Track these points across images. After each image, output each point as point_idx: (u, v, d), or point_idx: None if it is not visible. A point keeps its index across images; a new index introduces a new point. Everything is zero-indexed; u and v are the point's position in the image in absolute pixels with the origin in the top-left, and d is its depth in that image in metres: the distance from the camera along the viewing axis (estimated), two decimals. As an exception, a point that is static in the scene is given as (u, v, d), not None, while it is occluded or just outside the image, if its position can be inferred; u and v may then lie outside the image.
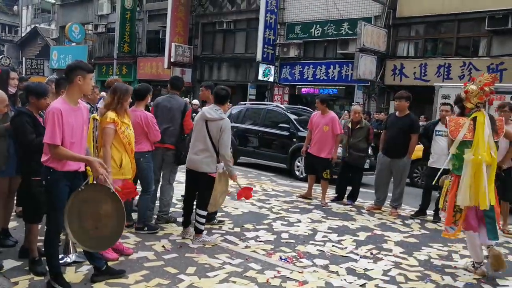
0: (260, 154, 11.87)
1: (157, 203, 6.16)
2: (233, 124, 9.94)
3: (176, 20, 22.56)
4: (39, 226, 4.35)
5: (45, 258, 3.89)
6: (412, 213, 7.51)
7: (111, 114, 4.51)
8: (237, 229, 5.94)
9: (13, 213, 5.14)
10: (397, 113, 7.58)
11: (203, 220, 5.33)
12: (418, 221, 7.11)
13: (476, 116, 4.76)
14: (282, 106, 12.56)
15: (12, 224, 5.10)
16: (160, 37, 24.54)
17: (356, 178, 8.21)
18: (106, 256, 4.33)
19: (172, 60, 22.05)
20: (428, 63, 16.00)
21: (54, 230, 3.79)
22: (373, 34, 16.11)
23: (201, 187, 5.34)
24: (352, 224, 6.60)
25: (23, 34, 40.45)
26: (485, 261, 4.84)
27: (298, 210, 7.29)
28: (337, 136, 7.81)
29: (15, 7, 45.86)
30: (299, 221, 6.58)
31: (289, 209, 7.29)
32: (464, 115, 4.94)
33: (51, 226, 3.78)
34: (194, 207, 5.45)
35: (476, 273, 4.81)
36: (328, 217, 6.94)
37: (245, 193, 5.60)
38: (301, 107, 13.80)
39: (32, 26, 38.86)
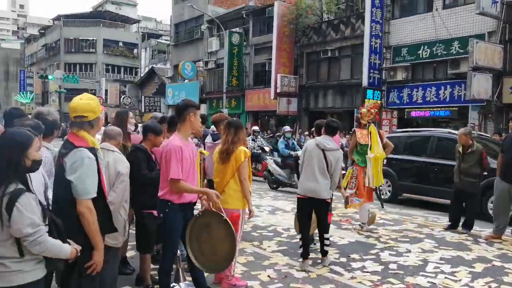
0: (433, 191, 10.12)
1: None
2: (389, 156, 8.55)
3: (281, 52, 23.22)
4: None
5: (158, 286, 4.17)
6: (539, 243, 6.83)
7: (245, 149, 4.64)
8: (343, 259, 5.87)
9: (131, 243, 5.55)
10: (514, 134, 7.03)
11: (328, 243, 5.66)
12: (546, 252, 6.45)
13: (371, 129, 7.25)
14: (456, 132, 9.88)
15: (130, 253, 5.53)
16: (266, 69, 25.37)
17: (469, 205, 7.68)
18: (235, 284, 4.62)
19: (278, 90, 22.63)
20: (554, 77, 14.63)
21: (170, 259, 4.09)
22: (487, 51, 15.17)
23: (321, 213, 5.60)
24: (467, 255, 6.17)
25: (142, 75, 44.18)
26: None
27: (408, 239, 6.99)
28: None
29: (135, 51, 50.58)
30: (409, 251, 6.31)
31: (398, 238, 7.02)
32: (362, 128, 7.36)
33: (167, 256, 4.08)
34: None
35: (362, 229, 7.31)
36: (441, 247, 6.56)
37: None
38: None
39: (150, 66, 42.34)
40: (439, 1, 17.84)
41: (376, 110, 7.49)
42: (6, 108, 5.45)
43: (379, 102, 7.57)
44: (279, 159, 12.82)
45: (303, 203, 5.59)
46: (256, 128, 16.04)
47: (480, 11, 15.03)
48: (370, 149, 7.12)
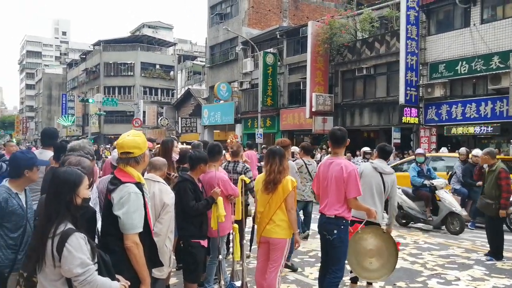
0: None
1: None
2: None
3: (315, 71, 23.20)
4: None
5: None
6: None
7: (292, 178, 4.55)
8: (389, 287, 5.68)
9: (174, 269, 5.56)
10: None
11: None
12: None
13: None
14: None
15: (172, 281, 5.52)
16: (301, 88, 25.35)
17: (488, 229, 7.30)
18: None
19: (313, 109, 22.56)
20: None
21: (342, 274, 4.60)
22: (530, 65, 14.72)
23: None
24: (521, 283, 5.88)
25: (178, 96, 44.87)
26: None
27: (456, 266, 6.73)
28: None
29: (172, 73, 51.58)
30: (458, 278, 6.07)
31: (446, 265, 6.76)
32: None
33: (339, 270, 4.52)
34: None
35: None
36: (492, 274, 6.27)
37: None
38: None
39: (186, 88, 42.99)
40: (476, 16, 17.48)
41: (236, 140, 10.14)
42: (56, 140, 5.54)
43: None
44: (409, 189, 10.23)
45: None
46: (367, 149, 13.09)
47: (521, 25, 14.65)
48: None
